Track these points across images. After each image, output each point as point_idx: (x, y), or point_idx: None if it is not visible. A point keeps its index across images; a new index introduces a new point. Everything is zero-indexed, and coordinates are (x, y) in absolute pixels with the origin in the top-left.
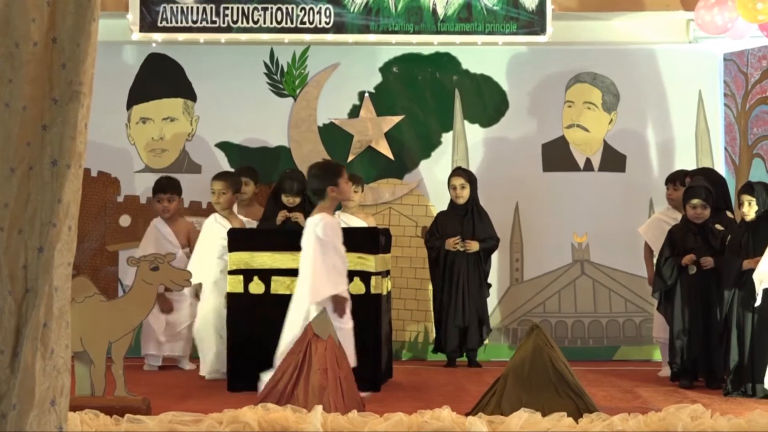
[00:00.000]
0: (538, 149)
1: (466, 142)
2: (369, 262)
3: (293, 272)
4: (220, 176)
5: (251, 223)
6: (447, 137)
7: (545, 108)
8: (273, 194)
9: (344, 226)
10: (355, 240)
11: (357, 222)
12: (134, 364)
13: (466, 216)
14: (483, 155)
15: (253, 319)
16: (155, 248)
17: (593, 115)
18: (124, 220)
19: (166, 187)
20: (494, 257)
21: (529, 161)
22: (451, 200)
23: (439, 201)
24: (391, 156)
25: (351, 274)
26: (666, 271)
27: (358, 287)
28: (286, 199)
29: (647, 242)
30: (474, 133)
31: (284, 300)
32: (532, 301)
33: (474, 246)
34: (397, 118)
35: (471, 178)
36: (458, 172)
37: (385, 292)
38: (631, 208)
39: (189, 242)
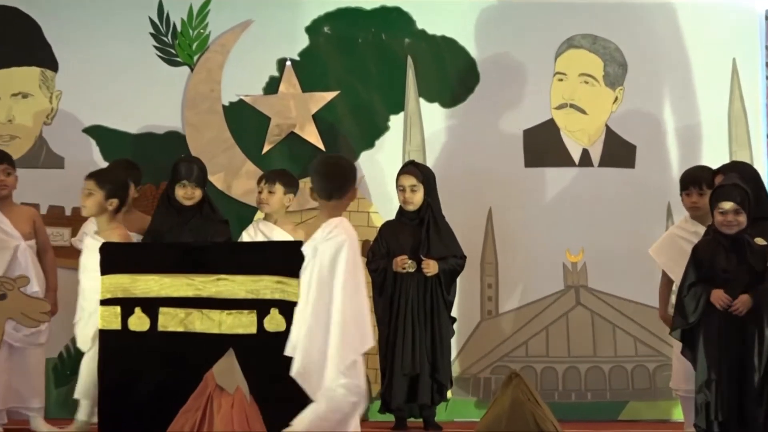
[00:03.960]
0: (519, 137)
1: (421, 127)
2: (292, 289)
3: (190, 302)
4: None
5: (129, 237)
6: (396, 121)
7: (528, 82)
8: (164, 195)
9: (263, 239)
10: (273, 258)
11: (281, 235)
12: None
13: (421, 227)
14: (444, 145)
15: (134, 365)
16: None
17: (592, 91)
18: None
19: (2, 158)
20: (459, 282)
21: (507, 153)
22: (400, 206)
23: (385, 206)
24: (321, 146)
25: (267, 305)
26: (689, 304)
27: (277, 323)
28: (182, 192)
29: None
30: (433, 115)
31: (176, 339)
32: (510, 340)
33: (432, 267)
34: (329, 95)
35: (426, 177)
36: (408, 168)
37: None
38: (642, 215)
39: (36, 233)
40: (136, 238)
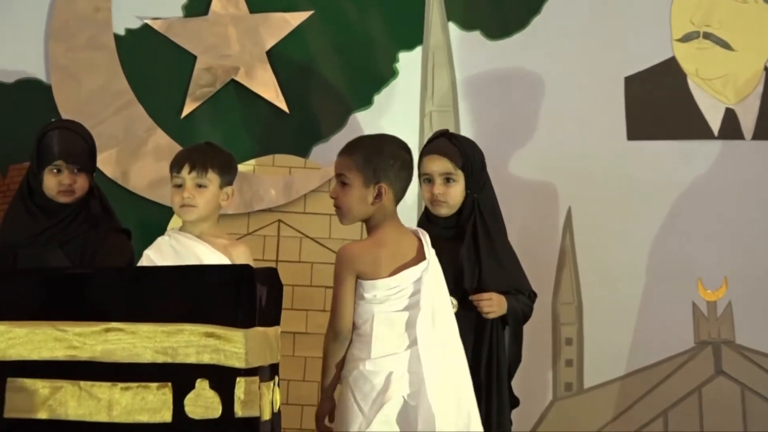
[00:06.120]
0: (618, 89)
1: (452, 72)
2: (232, 346)
3: (60, 369)
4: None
5: None
6: (410, 61)
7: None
8: (23, 187)
9: (175, 262)
10: (202, 295)
11: (210, 256)
12: None
13: (460, 241)
14: (494, 104)
15: None
16: None
17: (741, 12)
18: None
19: None
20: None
21: (597, 117)
22: (426, 207)
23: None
24: (282, 104)
25: (191, 374)
26: None
27: (207, 404)
28: (54, 182)
29: None
30: (472, 52)
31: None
32: None
33: (496, 305)
34: (295, 18)
35: (469, 158)
36: (439, 144)
37: (268, 415)
38: None
39: None
40: None
